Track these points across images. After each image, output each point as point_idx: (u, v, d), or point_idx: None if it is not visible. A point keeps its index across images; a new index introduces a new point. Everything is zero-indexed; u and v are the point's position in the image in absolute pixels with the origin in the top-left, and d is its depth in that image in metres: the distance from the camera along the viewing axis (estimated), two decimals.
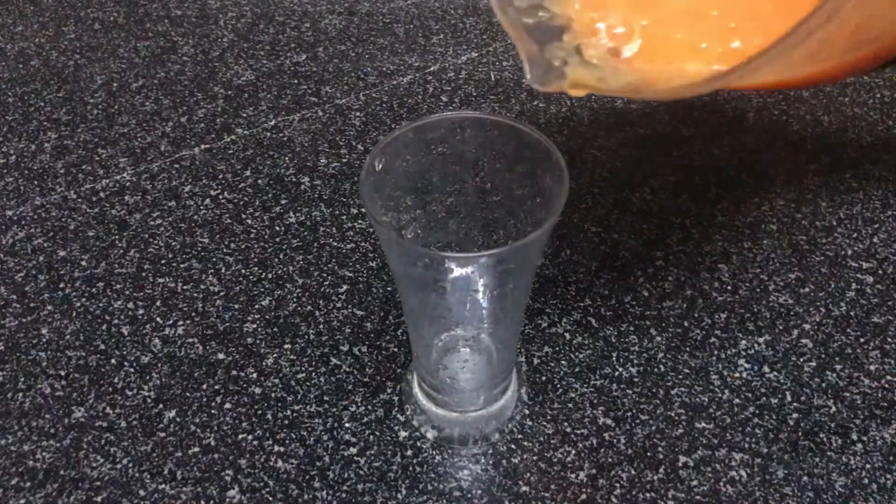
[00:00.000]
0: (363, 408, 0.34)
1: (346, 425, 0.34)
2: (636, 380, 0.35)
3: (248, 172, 0.46)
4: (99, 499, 0.32)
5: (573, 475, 0.32)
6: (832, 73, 0.26)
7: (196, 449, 0.33)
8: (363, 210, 0.43)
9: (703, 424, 0.34)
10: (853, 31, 0.23)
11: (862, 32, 0.23)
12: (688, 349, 0.36)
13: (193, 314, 0.38)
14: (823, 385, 0.35)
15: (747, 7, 0.28)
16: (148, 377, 0.36)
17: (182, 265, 0.41)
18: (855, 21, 0.22)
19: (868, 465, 0.32)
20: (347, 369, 0.36)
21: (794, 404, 0.34)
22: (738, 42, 0.27)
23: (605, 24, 0.29)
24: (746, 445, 0.33)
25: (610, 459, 0.32)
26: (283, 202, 0.44)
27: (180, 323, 0.38)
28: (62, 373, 0.36)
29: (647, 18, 0.29)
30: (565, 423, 0.34)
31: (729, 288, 0.39)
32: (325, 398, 0.35)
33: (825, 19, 0.20)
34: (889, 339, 0.37)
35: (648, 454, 0.33)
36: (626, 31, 0.29)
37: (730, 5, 0.28)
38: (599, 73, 0.28)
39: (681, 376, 0.35)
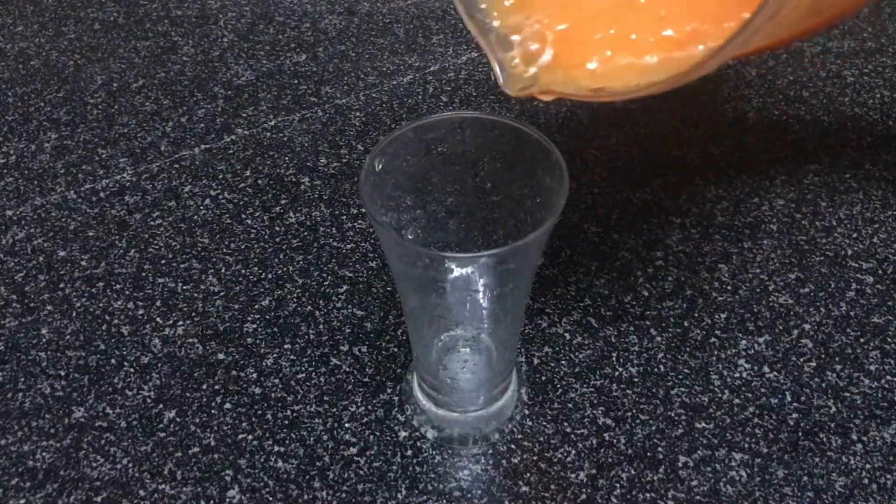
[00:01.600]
0: (363, 408, 0.34)
1: (346, 425, 0.34)
2: (636, 380, 0.35)
3: (248, 172, 0.46)
4: (99, 499, 0.32)
5: (573, 475, 0.32)
6: (803, 33, 0.26)
7: (196, 449, 0.33)
8: (363, 210, 0.43)
9: (703, 424, 0.34)
10: (808, 7, 0.22)
11: (818, 4, 0.23)
12: (688, 349, 0.36)
13: (193, 314, 0.38)
14: (823, 385, 0.35)
15: None
16: (148, 377, 0.36)
17: (182, 265, 0.41)
18: (806, 4, 0.22)
19: (868, 465, 0.32)
20: (347, 369, 0.36)
21: (794, 404, 0.34)
22: (669, 30, 0.27)
23: (520, 36, 0.29)
24: (746, 445, 0.33)
25: (610, 459, 0.32)
26: (283, 202, 0.44)
27: (180, 323, 0.38)
28: (62, 373, 0.36)
29: (568, 21, 0.28)
30: (565, 423, 0.34)
31: (729, 288, 0.39)
32: (325, 398, 0.35)
33: (767, 19, 0.20)
34: (889, 339, 0.37)
35: (648, 454, 0.33)
36: (541, 36, 0.28)
37: None
38: (563, 76, 0.27)
39: (681, 376, 0.35)
